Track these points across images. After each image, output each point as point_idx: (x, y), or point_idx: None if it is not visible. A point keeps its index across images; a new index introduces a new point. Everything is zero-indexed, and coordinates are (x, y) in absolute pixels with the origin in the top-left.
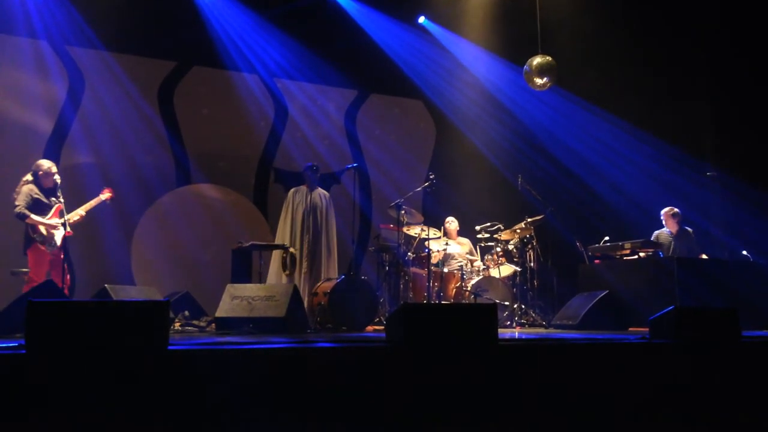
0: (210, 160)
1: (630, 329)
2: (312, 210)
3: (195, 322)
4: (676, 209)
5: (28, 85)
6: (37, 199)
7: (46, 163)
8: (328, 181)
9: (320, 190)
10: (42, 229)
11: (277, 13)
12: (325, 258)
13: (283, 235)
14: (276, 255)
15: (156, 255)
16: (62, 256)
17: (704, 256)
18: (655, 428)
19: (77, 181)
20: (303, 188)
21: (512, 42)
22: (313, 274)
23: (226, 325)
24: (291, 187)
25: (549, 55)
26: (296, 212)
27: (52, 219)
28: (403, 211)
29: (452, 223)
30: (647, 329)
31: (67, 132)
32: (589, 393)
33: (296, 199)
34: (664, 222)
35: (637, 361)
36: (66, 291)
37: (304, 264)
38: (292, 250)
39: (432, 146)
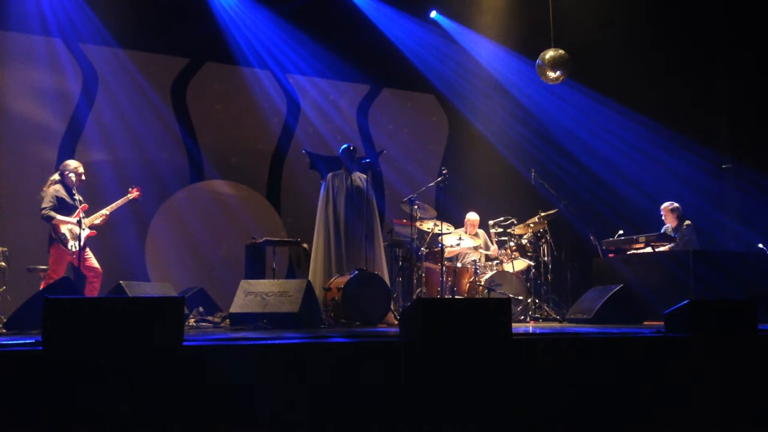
0: (223, 156)
1: (645, 323)
2: (355, 193)
3: (209, 318)
4: (675, 204)
5: (42, 83)
6: (63, 200)
7: (72, 163)
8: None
9: (358, 173)
10: (65, 230)
11: (289, 8)
12: (375, 241)
13: (326, 222)
14: (318, 252)
15: (170, 251)
16: (86, 255)
17: None
18: (672, 422)
19: (92, 178)
20: (341, 172)
21: (525, 35)
22: (363, 258)
23: (240, 320)
24: (327, 174)
25: (562, 48)
26: (338, 197)
27: (77, 219)
28: (416, 206)
29: (473, 218)
30: (662, 323)
31: (82, 129)
32: (605, 387)
33: (335, 183)
34: (663, 217)
35: (653, 355)
36: (97, 285)
37: (354, 250)
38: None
39: (445, 141)
